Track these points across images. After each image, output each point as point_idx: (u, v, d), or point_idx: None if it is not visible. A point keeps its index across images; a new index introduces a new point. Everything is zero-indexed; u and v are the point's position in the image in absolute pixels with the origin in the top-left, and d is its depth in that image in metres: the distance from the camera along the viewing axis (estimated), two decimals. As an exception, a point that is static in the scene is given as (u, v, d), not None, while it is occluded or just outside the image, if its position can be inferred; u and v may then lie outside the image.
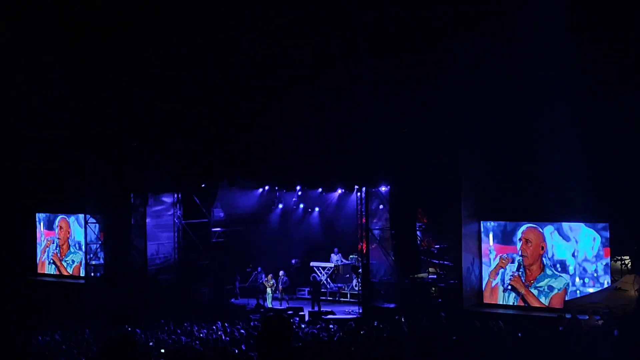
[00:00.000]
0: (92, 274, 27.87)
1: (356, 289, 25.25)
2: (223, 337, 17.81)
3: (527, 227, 21.25)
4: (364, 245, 23.88)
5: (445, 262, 22.45)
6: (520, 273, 21.27)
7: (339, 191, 26.90)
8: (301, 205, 28.52)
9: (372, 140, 22.38)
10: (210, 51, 24.25)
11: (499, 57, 20.28)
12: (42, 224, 30.70)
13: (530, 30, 19.21)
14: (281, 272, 25.78)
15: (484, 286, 21.90)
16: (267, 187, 27.77)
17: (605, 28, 19.27)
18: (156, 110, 25.18)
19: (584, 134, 19.01)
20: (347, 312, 24.05)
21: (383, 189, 23.81)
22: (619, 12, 19.21)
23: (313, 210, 28.36)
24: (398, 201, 23.16)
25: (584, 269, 20.42)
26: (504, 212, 21.56)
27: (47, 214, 30.53)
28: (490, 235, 21.79)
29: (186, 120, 25.04)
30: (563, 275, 20.67)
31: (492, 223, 21.78)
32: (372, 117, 22.23)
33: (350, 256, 26.37)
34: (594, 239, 20.27)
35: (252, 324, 20.87)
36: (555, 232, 20.84)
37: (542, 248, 21.01)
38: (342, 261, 26.59)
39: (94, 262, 27.84)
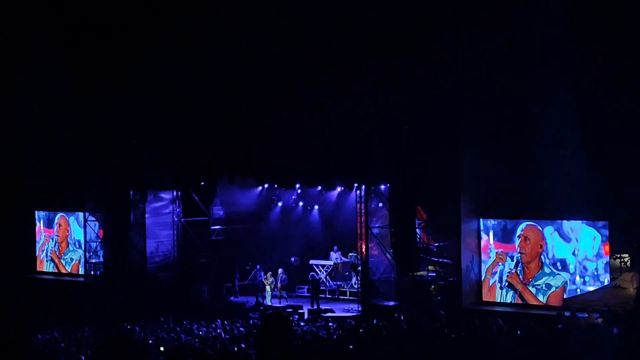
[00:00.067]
0: (92, 272, 27.89)
1: (355, 286, 25.27)
2: (222, 335, 17.84)
3: (526, 225, 21.29)
4: (363, 243, 23.92)
5: (445, 260, 22.49)
6: (518, 271, 21.31)
7: (339, 189, 26.91)
8: (300, 204, 28.53)
9: (371, 138, 22.42)
10: (210, 50, 24.26)
11: (499, 56, 20.30)
12: (41, 221, 30.70)
13: (530, 30, 19.23)
14: (280, 270, 25.82)
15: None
16: (266, 185, 27.78)
17: (605, 28, 19.29)
18: (155, 108, 25.19)
19: (583, 132, 19.05)
20: (346, 310, 24.08)
21: (382, 186, 23.85)
22: (619, 12, 19.23)
23: (312, 208, 28.39)
24: (397, 199, 23.19)
25: (585, 268, 20.46)
26: (503, 210, 21.59)
27: (47, 212, 30.53)
28: (491, 234, 21.82)
29: (186, 119, 25.04)
30: (562, 273, 20.71)
31: (492, 221, 21.81)
32: (372, 116, 22.26)
33: (350, 254, 26.39)
34: (594, 237, 20.32)
35: (251, 322, 20.90)
36: (556, 232, 20.88)
37: (541, 246, 21.05)
38: (341, 259, 26.61)
39: (93, 261, 27.85)
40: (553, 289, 20.81)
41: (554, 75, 19.14)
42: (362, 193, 23.96)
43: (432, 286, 22.37)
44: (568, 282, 20.64)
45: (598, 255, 20.29)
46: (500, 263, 21.60)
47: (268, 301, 25.56)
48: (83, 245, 28.20)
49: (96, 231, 27.82)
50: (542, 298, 20.99)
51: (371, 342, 15.20)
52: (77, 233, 29.25)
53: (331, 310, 23.77)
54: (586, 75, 19.07)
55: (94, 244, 27.87)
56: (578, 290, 20.33)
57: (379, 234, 23.93)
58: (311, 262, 26.81)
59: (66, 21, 24.82)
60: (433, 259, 22.96)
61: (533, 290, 21.11)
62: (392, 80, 21.96)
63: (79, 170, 27.65)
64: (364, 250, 23.95)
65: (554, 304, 20.23)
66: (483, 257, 21.90)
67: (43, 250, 30.50)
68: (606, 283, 19.68)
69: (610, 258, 20.08)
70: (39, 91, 25.77)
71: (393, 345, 14.75)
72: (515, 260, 21.37)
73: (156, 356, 15.35)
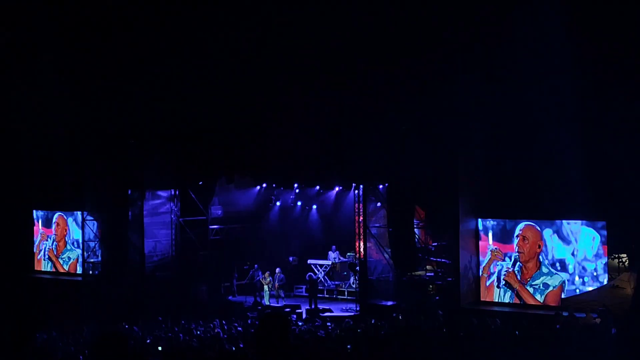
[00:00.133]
0: (90, 272, 27.86)
1: (353, 286, 25.27)
2: (221, 334, 17.84)
3: (525, 225, 21.30)
4: (362, 243, 23.92)
5: (443, 260, 22.49)
6: (516, 270, 21.31)
7: (337, 189, 26.91)
8: (299, 203, 28.52)
9: (370, 138, 22.42)
10: (210, 50, 24.23)
11: (498, 57, 20.30)
12: (39, 221, 30.67)
13: (529, 30, 19.23)
14: (278, 270, 25.81)
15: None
16: (264, 185, 27.77)
17: (605, 28, 19.29)
18: (154, 107, 25.16)
19: (582, 131, 19.06)
20: (344, 309, 24.07)
21: (381, 186, 23.85)
22: (619, 12, 19.24)
23: (311, 208, 28.37)
24: (396, 198, 23.19)
25: (584, 268, 20.47)
26: (501, 210, 21.59)
27: (45, 211, 30.50)
28: (490, 234, 21.82)
29: (184, 118, 25.03)
30: (560, 273, 20.72)
31: (491, 221, 21.82)
32: (371, 117, 22.26)
33: (348, 254, 26.37)
34: (594, 238, 20.33)
35: (249, 321, 20.90)
36: (555, 234, 20.88)
37: (539, 246, 21.06)
38: (339, 259, 26.59)
39: (92, 260, 27.83)
40: (550, 288, 20.82)
41: (553, 76, 19.15)
42: (361, 193, 23.95)
43: (430, 286, 22.38)
44: (566, 282, 20.65)
45: (597, 256, 20.30)
46: (496, 261, 21.60)
47: (266, 301, 25.56)
48: (81, 245, 28.17)
49: (94, 230, 27.80)
50: (539, 297, 20.99)
51: (369, 342, 15.20)
52: (75, 233, 29.22)
53: (329, 310, 23.77)
54: (585, 76, 19.07)
55: (92, 244, 27.84)
56: (577, 290, 20.33)
57: (377, 233, 23.92)
58: (309, 261, 26.81)
59: (65, 20, 24.79)
60: (431, 258, 22.96)
61: (530, 289, 21.11)
62: (391, 80, 21.95)
63: (78, 170, 27.59)
64: (362, 250, 23.94)
65: (552, 304, 20.25)
66: (481, 257, 21.90)
67: (40, 250, 30.48)
68: (605, 283, 19.69)
69: (608, 258, 20.10)
70: (37, 90, 25.74)
71: (391, 344, 14.75)
72: (513, 260, 21.37)
73: (154, 356, 15.34)
